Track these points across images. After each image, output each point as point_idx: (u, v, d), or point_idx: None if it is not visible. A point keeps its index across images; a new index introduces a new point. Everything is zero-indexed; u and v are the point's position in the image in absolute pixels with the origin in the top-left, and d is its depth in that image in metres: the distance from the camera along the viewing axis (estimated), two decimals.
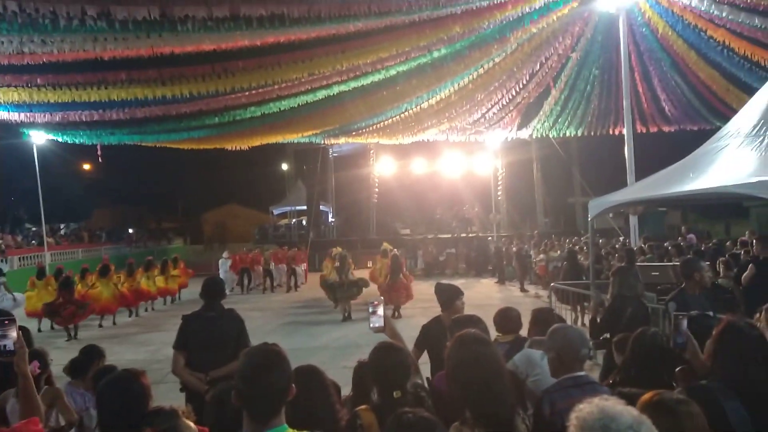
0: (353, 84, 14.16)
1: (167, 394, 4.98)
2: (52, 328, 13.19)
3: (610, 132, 19.85)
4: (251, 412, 1.94)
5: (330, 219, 32.99)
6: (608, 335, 4.55)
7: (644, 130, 19.45)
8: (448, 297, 4.20)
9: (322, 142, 22.33)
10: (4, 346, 2.45)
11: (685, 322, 3.04)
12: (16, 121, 15.62)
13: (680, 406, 1.86)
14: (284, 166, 35.29)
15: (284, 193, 35.06)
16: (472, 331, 2.33)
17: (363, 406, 2.49)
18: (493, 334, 4.04)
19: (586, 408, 1.54)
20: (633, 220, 14.63)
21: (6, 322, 2.48)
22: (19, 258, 21.65)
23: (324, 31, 11.10)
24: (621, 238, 17.83)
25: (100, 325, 13.52)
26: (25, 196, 27.00)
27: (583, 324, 9.10)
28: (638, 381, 2.50)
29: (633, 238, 14.49)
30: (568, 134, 21.80)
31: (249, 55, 12.05)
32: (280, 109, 15.02)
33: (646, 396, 1.94)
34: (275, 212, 35.30)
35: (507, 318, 3.98)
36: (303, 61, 12.43)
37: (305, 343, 10.82)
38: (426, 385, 3.23)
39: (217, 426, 2.49)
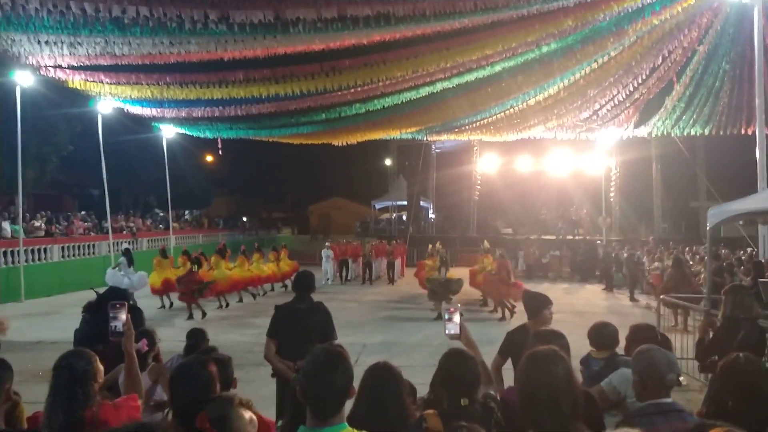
0: (457, 81, 14.07)
1: (265, 377, 5.28)
2: (171, 306, 14.38)
3: (742, 132, 18.04)
4: (312, 408, 2.03)
5: (430, 215, 33.05)
6: (716, 358, 4.17)
7: None
8: (536, 306, 4.06)
9: (425, 138, 22.41)
10: (115, 327, 2.78)
11: None
12: (148, 115, 17.28)
13: None
14: (387, 162, 35.85)
15: (386, 188, 35.65)
16: (545, 348, 2.25)
17: (431, 411, 2.49)
18: (585, 347, 3.86)
19: None
20: (763, 230, 13.22)
21: (117, 305, 2.80)
22: (148, 240, 23.92)
23: (429, 28, 11.14)
24: (749, 249, 16.15)
25: (221, 306, 14.44)
26: (155, 184, 29.68)
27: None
28: (727, 415, 2.27)
29: (762, 250, 13.10)
30: (692, 133, 20.09)
31: (355, 53, 12.41)
32: (384, 106, 15.31)
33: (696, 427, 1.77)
34: (377, 206, 36.02)
35: (602, 333, 3.76)
36: (407, 59, 12.59)
37: (399, 339, 10.93)
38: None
39: (296, 412, 2.61)
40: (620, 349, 3.81)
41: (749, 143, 14.85)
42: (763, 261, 11.24)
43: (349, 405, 2.28)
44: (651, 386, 2.44)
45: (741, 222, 13.05)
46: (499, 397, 2.90)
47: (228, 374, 2.98)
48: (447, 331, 3.05)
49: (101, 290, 4.89)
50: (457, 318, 3.03)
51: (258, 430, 2.25)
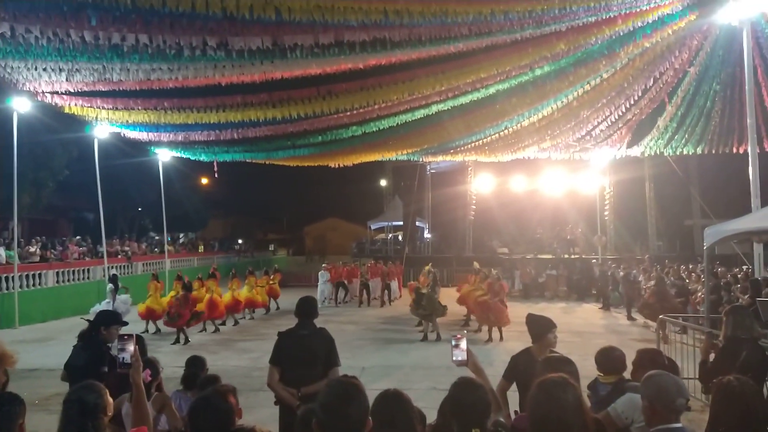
0: (452, 103, 14.24)
1: (264, 402, 5.24)
2: (157, 331, 14.26)
3: (734, 150, 18.28)
4: None
5: (426, 235, 33.10)
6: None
7: None
8: (540, 330, 4.06)
9: (420, 159, 22.56)
10: (123, 358, 2.78)
11: None
12: (144, 139, 17.34)
13: None
14: (382, 182, 36.02)
15: (382, 209, 35.75)
16: (554, 376, 2.26)
17: None
18: (593, 372, 3.86)
19: None
20: (758, 248, 13.30)
21: (125, 338, 2.81)
22: (143, 264, 23.79)
23: (424, 52, 11.29)
24: (745, 267, 16.24)
25: (203, 330, 14.36)
26: (150, 207, 29.65)
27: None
28: None
29: (757, 268, 13.17)
30: (685, 152, 20.35)
31: (352, 77, 12.54)
32: (380, 128, 15.43)
33: None
34: (372, 227, 36.08)
35: (609, 358, 3.75)
36: (403, 82, 12.72)
37: (396, 360, 10.88)
38: (511, 418, 3.16)
39: None
40: (627, 373, 3.82)
41: (742, 161, 15.05)
42: (760, 279, 11.28)
43: None
44: (660, 411, 2.45)
45: (735, 240, 13.15)
46: (509, 425, 2.90)
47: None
48: (454, 358, 3.05)
49: (91, 317, 4.85)
50: (463, 344, 3.03)
51: None
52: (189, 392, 4.48)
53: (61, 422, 2.40)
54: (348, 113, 14.09)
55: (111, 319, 4.79)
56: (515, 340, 11.81)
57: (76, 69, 11.24)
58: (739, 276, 14.00)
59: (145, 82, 11.98)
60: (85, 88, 12.66)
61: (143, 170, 25.86)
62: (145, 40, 9.24)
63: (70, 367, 4.59)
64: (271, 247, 46.75)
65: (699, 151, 19.75)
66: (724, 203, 22.44)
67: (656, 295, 13.52)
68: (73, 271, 19.32)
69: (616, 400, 3.28)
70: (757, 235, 9.33)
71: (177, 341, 12.99)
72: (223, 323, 15.36)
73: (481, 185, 27.90)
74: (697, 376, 5.02)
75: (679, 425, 2.45)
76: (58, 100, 13.60)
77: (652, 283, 16.67)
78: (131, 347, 2.80)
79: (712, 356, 4.78)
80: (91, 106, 14.31)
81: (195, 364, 4.65)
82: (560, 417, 2.08)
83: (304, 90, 13.06)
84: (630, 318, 16.21)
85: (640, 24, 11.29)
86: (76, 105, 14.01)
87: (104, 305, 13.95)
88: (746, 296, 10.76)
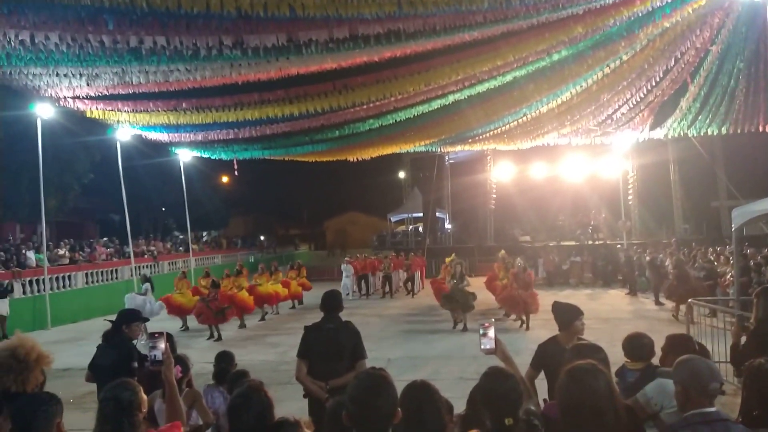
0: (468, 92, 14.11)
1: (293, 395, 5.29)
2: (186, 329, 14.52)
3: (759, 129, 17.82)
4: (357, 430, 2.06)
5: (446, 225, 32.98)
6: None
7: None
8: (567, 317, 4.02)
9: (439, 150, 22.46)
10: (154, 356, 2.84)
11: None
12: (164, 140, 17.56)
13: None
14: (401, 174, 35.92)
15: (401, 201, 35.68)
16: (584, 363, 2.24)
17: (474, 431, 2.48)
18: (620, 358, 3.83)
19: None
20: None
21: (156, 335, 2.86)
22: (169, 263, 24.17)
23: (439, 42, 11.20)
24: None
25: (243, 326, 14.54)
26: (173, 207, 30.05)
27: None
28: (763, 422, 2.24)
29: None
30: (709, 133, 19.90)
31: (367, 70, 12.51)
32: (397, 120, 15.38)
33: None
34: (393, 219, 36.03)
35: (637, 345, 3.72)
36: (419, 73, 12.66)
37: (421, 352, 10.90)
38: (540, 408, 3.15)
39: None
40: (655, 360, 3.78)
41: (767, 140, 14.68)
42: None
43: None
44: (694, 396, 2.42)
45: (764, 220, 12.86)
46: (540, 413, 2.88)
47: None
48: (482, 347, 3.04)
49: (113, 317, 4.98)
50: (492, 333, 3.02)
51: None
52: (220, 387, 4.56)
53: (98, 420, 2.46)
54: (364, 106, 14.07)
55: (132, 316, 4.92)
56: (541, 328, 11.75)
57: (96, 74, 11.42)
58: None
59: (164, 84, 12.12)
60: (106, 92, 12.84)
61: (165, 171, 26.22)
62: (162, 42, 9.33)
63: (96, 367, 4.71)
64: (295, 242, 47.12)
65: (723, 131, 19.29)
66: (751, 183, 21.94)
67: (677, 278, 13.55)
68: (102, 272, 19.71)
69: (644, 387, 3.25)
70: None
71: (212, 337, 13.22)
72: (262, 318, 15.66)
73: (500, 174, 27.70)
74: (728, 360, 4.95)
75: (713, 409, 2.42)
76: (80, 105, 13.83)
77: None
78: (162, 344, 2.86)
79: (743, 339, 4.70)
80: (112, 110, 14.54)
81: (224, 359, 4.74)
82: (592, 404, 2.06)
83: (320, 85, 13.08)
84: (658, 303, 15.96)
85: (659, 4, 11.03)
86: (97, 109, 14.25)
87: (134, 297, 14.21)
88: None
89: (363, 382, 2.11)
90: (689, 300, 9.34)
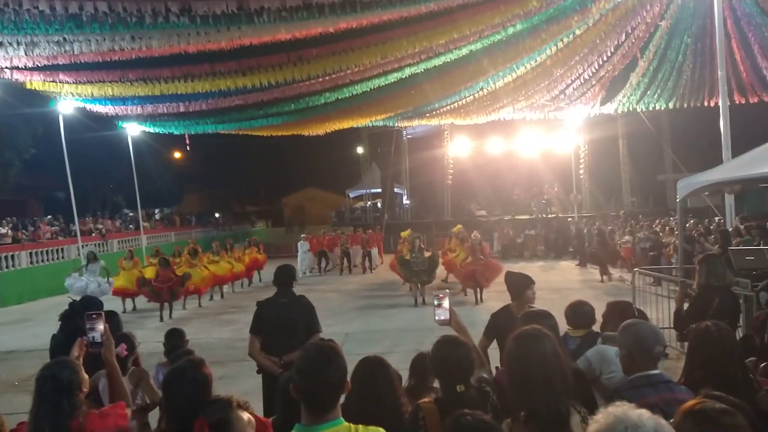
0: (425, 65, 14.02)
1: (248, 372, 5.24)
2: (134, 309, 14.16)
3: (705, 104, 18.47)
4: (307, 405, 2.02)
5: (405, 201, 33.09)
6: (694, 327, 4.28)
7: (743, 101, 17.93)
8: (518, 287, 4.10)
9: (396, 124, 22.36)
10: (93, 338, 2.71)
11: None
12: (111, 113, 16.81)
13: (724, 417, 1.71)
14: (359, 150, 35.68)
15: (360, 176, 35.52)
16: (529, 328, 2.27)
17: (426, 399, 2.49)
18: (564, 327, 3.92)
19: (602, 419, 1.49)
20: (729, 199, 13.60)
21: (94, 316, 2.73)
22: (118, 241, 23.38)
23: (395, 14, 11.03)
24: (717, 219, 16.61)
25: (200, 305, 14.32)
26: (122, 183, 29.02)
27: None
28: (705, 382, 2.33)
29: (729, 219, 13.48)
30: (657, 107, 20.51)
31: (322, 42, 12.23)
32: (353, 94, 15.17)
33: (689, 403, 1.82)
34: (351, 195, 35.90)
35: (578, 312, 3.80)
36: (375, 45, 12.47)
37: (379, 326, 10.98)
38: (492, 374, 3.19)
39: (287, 409, 2.59)
40: (596, 327, 3.88)
41: (713, 115, 15.22)
42: (730, 229, 11.56)
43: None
44: (639, 359, 2.49)
45: (707, 192, 13.40)
46: (492, 380, 2.92)
47: None
48: (437, 317, 3.05)
49: (75, 297, 4.77)
50: (446, 303, 3.02)
51: (255, 430, 2.21)
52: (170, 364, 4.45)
53: (35, 400, 2.34)
54: (320, 79, 13.81)
55: (93, 305, 4.72)
56: (496, 300, 11.97)
57: (34, 42, 10.75)
58: (711, 227, 14.34)
59: (108, 54, 11.52)
60: (46, 62, 12.14)
61: (113, 146, 25.17)
62: (104, 8, 8.86)
63: (53, 352, 4.54)
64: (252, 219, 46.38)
65: (671, 105, 19.92)
66: (696, 157, 22.76)
67: (599, 245, 16.36)
68: (47, 251, 18.95)
69: (585, 353, 3.33)
70: (728, 185, 9.52)
71: (163, 318, 12.86)
72: (222, 296, 15.37)
73: (457, 149, 27.87)
74: (672, 326, 5.15)
75: (657, 371, 2.49)
76: (18, 76, 13.03)
77: (627, 238, 17.10)
78: (101, 326, 2.73)
79: (686, 305, 4.89)
80: (53, 81, 13.78)
81: (175, 336, 4.62)
82: (539, 368, 2.09)
83: (273, 57, 12.71)
84: (605, 273, 16.52)
85: None
86: (37, 80, 13.47)
87: (76, 280, 13.75)
88: (716, 246, 11.04)
89: (310, 354, 2.07)
90: (635, 269, 9.69)
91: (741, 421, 1.71)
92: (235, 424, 2.10)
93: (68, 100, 16.27)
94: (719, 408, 1.73)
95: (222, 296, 15.67)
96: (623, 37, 14.92)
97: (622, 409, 1.50)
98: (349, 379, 2.65)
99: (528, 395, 2.07)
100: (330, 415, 2.01)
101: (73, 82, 13.89)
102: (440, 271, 15.40)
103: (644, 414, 1.49)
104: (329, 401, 2.01)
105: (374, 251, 21.07)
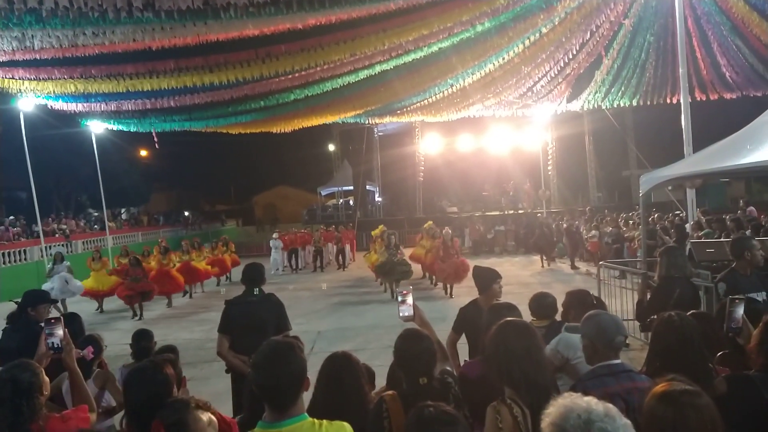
0: (395, 62, 14.04)
1: (219, 373, 5.18)
2: (101, 311, 13.88)
3: (668, 101, 18.95)
4: (268, 402, 2.02)
5: (377, 198, 33.13)
6: (655, 317, 4.41)
7: (704, 98, 18.46)
8: (485, 281, 4.16)
9: (367, 121, 22.34)
10: (53, 343, 2.63)
11: (741, 307, 2.91)
12: (74, 111, 16.36)
13: (684, 396, 1.81)
14: (331, 147, 35.56)
15: (331, 174, 35.41)
16: (514, 320, 2.38)
17: (389, 392, 2.52)
18: (528, 318, 4.01)
19: (554, 411, 1.56)
20: (690, 193, 13.96)
21: (52, 321, 2.65)
22: (83, 242, 22.80)
23: (365, 10, 11.01)
24: (679, 213, 17.08)
25: (170, 305, 14.12)
26: (87, 182, 28.34)
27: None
28: (665, 370, 2.41)
29: (690, 212, 13.85)
30: (621, 104, 20.98)
31: (291, 38, 12.13)
32: (323, 90, 15.09)
33: (658, 387, 1.92)
34: (323, 193, 35.75)
35: (541, 304, 3.94)
36: (345, 42, 12.41)
37: (353, 323, 10.98)
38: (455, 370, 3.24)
39: (253, 407, 2.58)
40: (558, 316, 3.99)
41: (675, 111, 15.62)
42: (691, 223, 11.94)
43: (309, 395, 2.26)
44: (601, 349, 2.55)
45: (670, 187, 13.77)
46: (457, 373, 2.96)
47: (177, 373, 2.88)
48: (401, 314, 3.08)
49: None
50: (410, 300, 3.07)
51: (219, 429, 2.19)
52: None
53: None
54: (289, 76, 13.68)
55: (38, 298, 4.61)
56: (465, 295, 12.02)
57: None
58: (675, 221, 14.75)
59: (69, 50, 11.20)
60: (4, 58, 11.75)
61: (76, 144, 24.54)
62: (65, 2, 8.60)
63: (2, 351, 4.40)
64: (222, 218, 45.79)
65: (635, 102, 20.36)
66: (659, 153, 23.32)
67: (539, 236, 18.65)
68: (9, 253, 18.40)
69: (550, 342, 3.43)
70: (689, 180, 9.77)
71: (135, 316, 12.72)
72: (190, 296, 15.40)
73: (428, 146, 28.02)
74: (635, 317, 5.29)
75: (618, 361, 2.56)
76: None
77: (594, 233, 17.48)
78: (60, 331, 2.64)
79: (648, 296, 5.03)
80: (12, 78, 13.34)
81: (143, 338, 4.54)
82: (523, 349, 2.19)
83: (241, 53, 12.55)
84: (573, 267, 16.89)
85: None
86: None
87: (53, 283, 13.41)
88: (673, 240, 11.39)
89: (266, 350, 2.07)
90: (600, 262, 9.91)
91: (703, 401, 1.81)
92: (192, 425, 2.07)
93: (29, 98, 15.77)
94: (687, 389, 1.83)
95: (190, 296, 15.45)
96: (588, 36, 15.18)
97: (570, 399, 1.57)
98: (318, 375, 2.66)
99: (518, 370, 2.23)
100: (292, 411, 2.01)
101: (34, 79, 13.47)
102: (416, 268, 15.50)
103: (592, 401, 1.56)
104: (289, 397, 2.00)
105: (347, 248, 21.06)
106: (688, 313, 2.99)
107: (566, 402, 1.55)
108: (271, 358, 2.02)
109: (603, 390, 2.34)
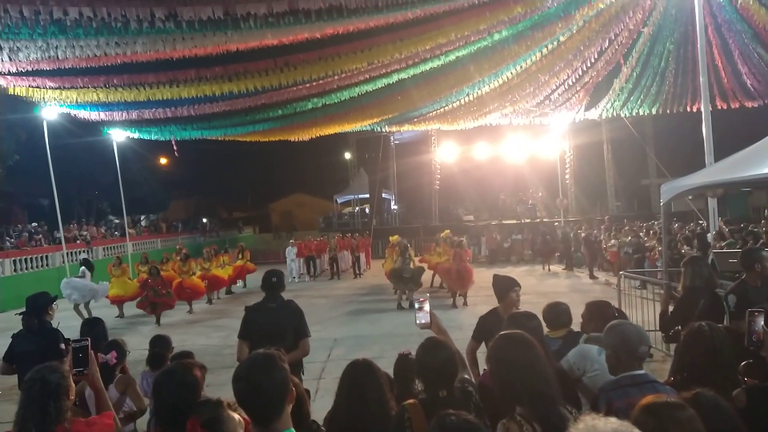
0: (412, 71, 14.09)
1: None
2: (121, 316, 14.05)
3: (687, 109, 18.74)
4: (249, 414, 1.96)
5: (392, 206, 33.15)
6: (679, 328, 4.33)
7: (725, 107, 18.22)
8: (503, 289, 4.13)
9: (383, 130, 22.42)
10: (80, 371, 2.59)
11: (761, 320, 2.85)
12: (95, 119, 16.66)
13: (666, 410, 1.80)
14: (347, 155, 35.70)
15: (347, 182, 35.52)
16: (511, 332, 2.32)
17: (411, 401, 2.50)
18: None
19: None
20: (712, 203, 13.75)
21: (77, 346, 2.62)
22: (104, 248, 23.16)
23: (382, 20, 11.07)
24: (701, 222, 16.81)
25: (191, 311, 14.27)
26: (108, 190, 28.76)
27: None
28: (694, 381, 2.36)
29: (712, 222, 13.63)
30: (641, 113, 20.78)
31: (309, 47, 12.23)
32: (340, 99, 15.18)
33: (645, 399, 1.91)
34: (339, 201, 35.87)
35: (556, 312, 3.80)
36: (362, 51, 12.49)
37: (369, 331, 10.96)
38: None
39: None
40: (576, 326, 3.90)
41: (695, 120, 15.44)
42: (713, 233, 11.76)
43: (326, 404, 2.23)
44: (624, 359, 2.52)
45: (690, 197, 13.57)
46: (476, 381, 2.93)
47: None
48: (417, 321, 3.07)
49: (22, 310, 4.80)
50: (427, 307, 3.05)
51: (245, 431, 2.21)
52: (155, 372, 4.42)
53: (21, 403, 2.32)
54: (307, 85, 13.79)
55: (47, 301, 4.72)
56: (483, 304, 12.00)
57: (18, 47, 10.63)
58: (697, 231, 14.53)
59: (93, 59, 11.41)
60: (29, 68, 12.01)
61: (98, 152, 24.93)
62: (89, 13, 8.78)
63: (18, 356, 4.49)
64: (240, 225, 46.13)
65: (654, 111, 20.18)
66: (679, 162, 23.06)
67: (541, 243, 19.89)
68: (31, 259, 18.72)
69: (567, 353, 3.36)
70: (710, 189, 9.62)
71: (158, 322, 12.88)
72: (210, 302, 15.55)
73: (444, 154, 27.99)
74: (657, 328, 5.20)
75: (641, 371, 2.53)
76: (0, 81, 12.89)
77: (613, 242, 17.27)
78: (86, 358, 2.61)
79: (671, 308, 4.95)
80: (37, 87, 13.63)
81: (159, 344, 4.59)
82: (520, 370, 2.14)
83: (260, 62, 12.69)
84: (592, 276, 16.69)
85: None
86: (20, 86, 13.32)
87: (70, 282, 13.67)
88: (695, 250, 11.21)
89: (246, 362, 2.03)
90: (621, 272, 9.79)
91: (691, 414, 1.79)
92: (227, 423, 2.10)
93: (52, 106, 16.09)
94: (672, 402, 1.83)
95: (210, 302, 15.57)
96: (606, 44, 15.09)
97: (592, 422, 1.52)
98: (339, 382, 2.65)
99: (520, 388, 2.15)
100: (277, 425, 1.91)
101: (58, 88, 13.76)
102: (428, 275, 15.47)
103: (612, 422, 1.52)
104: (270, 411, 1.91)
105: (362, 256, 21.08)
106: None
107: (583, 427, 1.50)
108: (252, 369, 1.96)
109: (626, 401, 2.31)
